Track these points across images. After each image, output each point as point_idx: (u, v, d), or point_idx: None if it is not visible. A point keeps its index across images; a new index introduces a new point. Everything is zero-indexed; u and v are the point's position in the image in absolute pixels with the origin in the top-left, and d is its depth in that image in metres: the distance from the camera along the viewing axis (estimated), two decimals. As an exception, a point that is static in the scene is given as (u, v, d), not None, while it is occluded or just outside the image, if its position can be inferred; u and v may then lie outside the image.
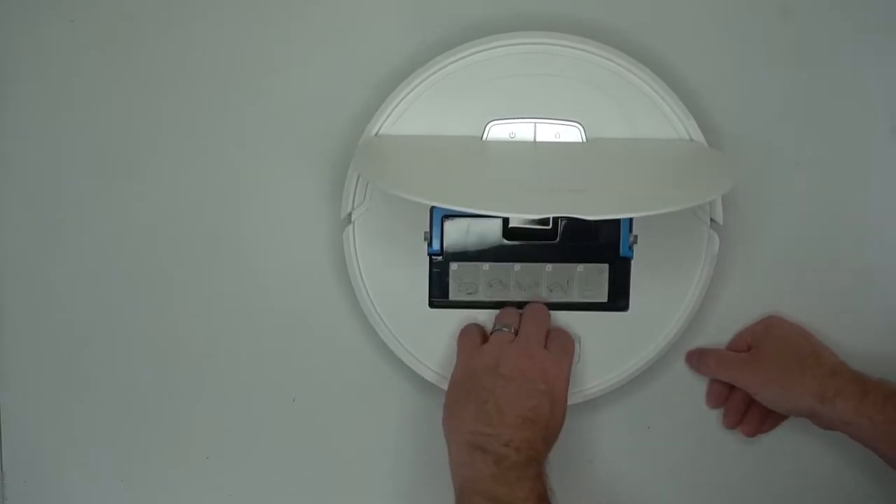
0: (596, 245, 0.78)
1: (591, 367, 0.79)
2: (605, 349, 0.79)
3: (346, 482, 0.84)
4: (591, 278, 0.79)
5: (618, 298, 0.79)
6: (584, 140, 0.77)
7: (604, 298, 0.79)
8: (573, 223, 0.78)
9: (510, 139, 0.77)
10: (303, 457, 0.84)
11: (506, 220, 0.78)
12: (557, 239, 0.78)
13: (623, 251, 0.78)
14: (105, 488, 0.83)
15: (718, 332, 0.83)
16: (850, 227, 0.83)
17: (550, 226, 0.78)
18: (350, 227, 0.77)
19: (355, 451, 0.84)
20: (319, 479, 0.84)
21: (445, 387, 0.76)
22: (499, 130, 0.77)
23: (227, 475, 0.83)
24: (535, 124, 0.77)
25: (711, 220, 0.78)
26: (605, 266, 0.79)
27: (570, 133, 0.77)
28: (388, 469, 0.84)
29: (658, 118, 0.77)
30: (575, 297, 0.79)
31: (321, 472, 0.84)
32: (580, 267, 0.78)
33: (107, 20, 0.80)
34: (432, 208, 0.77)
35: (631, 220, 0.78)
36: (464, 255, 0.78)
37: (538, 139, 0.77)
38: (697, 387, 0.84)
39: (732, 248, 0.81)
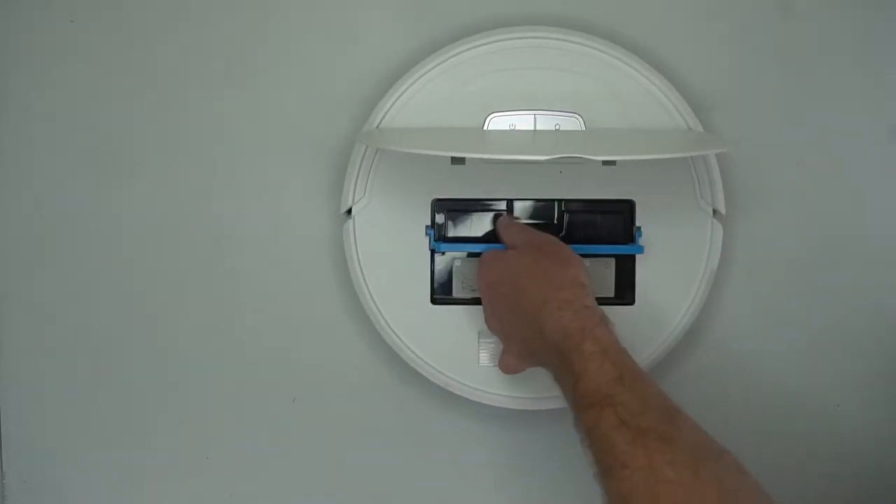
0: (601, 238, 0.78)
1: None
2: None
3: (347, 481, 0.83)
4: (598, 272, 0.78)
5: (624, 292, 0.78)
6: (584, 129, 0.76)
7: (611, 293, 0.78)
8: (577, 216, 0.78)
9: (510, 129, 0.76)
10: (303, 456, 0.83)
11: (509, 211, 0.78)
12: (563, 232, 0.78)
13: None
14: (105, 488, 0.83)
15: (727, 325, 0.82)
16: (850, 225, 0.83)
17: (556, 220, 0.78)
18: (350, 221, 0.77)
19: (355, 449, 0.83)
20: (319, 479, 0.83)
21: (446, 384, 0.77)
22: (499, 122, 0.76)
23: (227, 475, 0.83)
24: (535, 116, 0.76)
25: (714, 210, 0.78)
26: (612, 260, 0.78)
27: (570, 123, 0.76)
28: (389, 467, 0.83)
29: (658, 111, 0.77)
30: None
31: (321, 471, 0.83)
32: (586, 261, 0.77)
33: (107, 20, 0.80)
34: (433, 202, 0.77)
35: (634, 213, 0.77)
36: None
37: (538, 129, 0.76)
38: (701, 387, 0.82)
39: (735, 247, 0.81)
